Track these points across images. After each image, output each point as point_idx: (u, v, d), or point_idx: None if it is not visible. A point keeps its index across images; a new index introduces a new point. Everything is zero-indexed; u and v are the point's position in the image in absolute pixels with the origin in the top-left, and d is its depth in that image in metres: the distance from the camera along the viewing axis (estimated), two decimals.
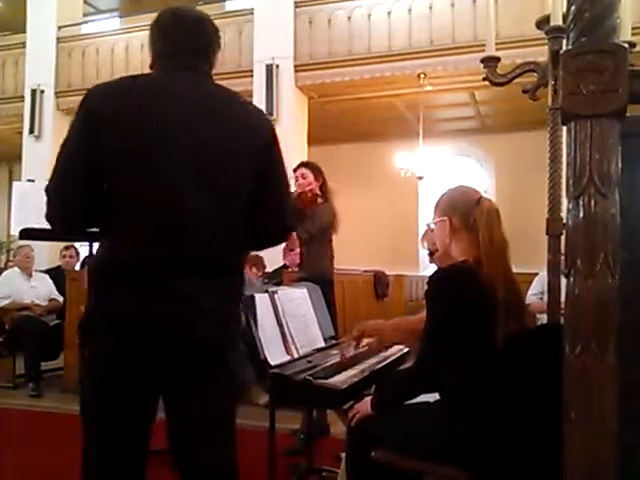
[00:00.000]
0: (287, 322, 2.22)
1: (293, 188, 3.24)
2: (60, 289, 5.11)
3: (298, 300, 2.42)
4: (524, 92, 2.24)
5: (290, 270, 4.65)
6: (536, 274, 4.06)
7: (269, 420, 2.08)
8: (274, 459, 2.08)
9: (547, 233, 2.14)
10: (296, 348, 2.21)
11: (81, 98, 1.39)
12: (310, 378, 1.88)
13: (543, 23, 2.10)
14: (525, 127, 8.62)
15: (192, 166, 1.35)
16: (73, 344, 4.18)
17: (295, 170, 3.39)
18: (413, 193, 10.12)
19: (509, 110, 8.23)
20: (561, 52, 0.86)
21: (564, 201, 0.89)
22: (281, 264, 5.26)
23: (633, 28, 2.14)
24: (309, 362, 2.12)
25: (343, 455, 1.96)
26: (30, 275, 5.21)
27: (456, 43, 6.67)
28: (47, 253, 6.65)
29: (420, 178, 8.88)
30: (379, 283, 7.29)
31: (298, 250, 3.25)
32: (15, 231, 3.93)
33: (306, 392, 1.88)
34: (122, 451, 1.39)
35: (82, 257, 5.65)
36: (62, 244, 5.47)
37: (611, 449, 0.81)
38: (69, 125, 1.38)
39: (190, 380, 1.40)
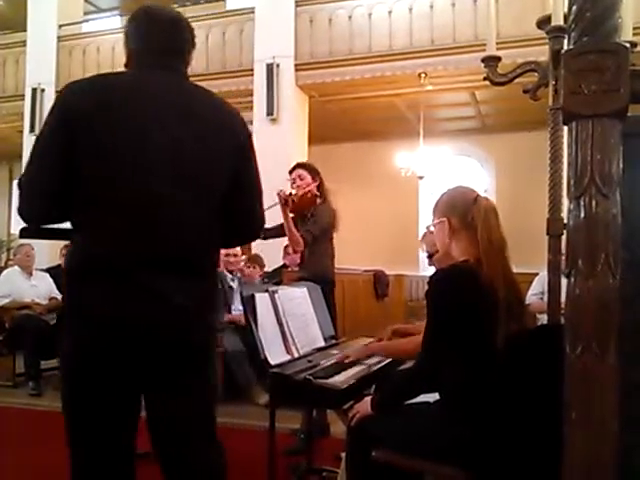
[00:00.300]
0: (287, 321, 2.22)
1: (290, 190, 3.23)
2: (60, 288, 5.10)
3: (298, 299, 2.42)
4: (525, 92, 2.23)
5: (290, 270, 4.66)
6: (536, 274, 4.06)
7: (269, 420, 2.07)
8: (274, 459, 2.08)
9: (547, 233, 2.14)
10: (296, 348, 2.21)
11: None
12: (310, 378, 1.88)
13: (544, 23, 2.10)
14: (526, 127, 8.61)
15: (167, 164, 1.35)
16: None
17: (291, 172, 3.38)
18: (413, 193, 10.11)
19: (510, 110, 8.22)
20: (562, 52, 0.85)
21: (565, 201, 0.89)
22: (281, 264, 5.27)
23: (634, 28, 2.14)
24: (309, 362, 2.11)
25: (343, 455, 1.96)
26: (30, 274, 5.21)
27: (457, 42, 6.67)
28: (47, 252, 6.64)
29: (420, 178, 8.87)
30: (379, 283, 7.29)
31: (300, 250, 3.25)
32: (15, 230, 3.94)
33: (306, 392, 1.88)
34: (102, 450, 1.39)
35: None
36: (62, 243, 5.45)
37: (611, 449, 0.81)
38: (44, 121, 1.38)
39: (167, 378, 1.40)
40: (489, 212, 1.76)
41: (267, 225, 3.62)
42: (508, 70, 2.21)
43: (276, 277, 4.91)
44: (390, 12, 7.03)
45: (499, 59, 2.21)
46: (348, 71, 7.15)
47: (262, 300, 2.17)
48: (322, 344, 2.41)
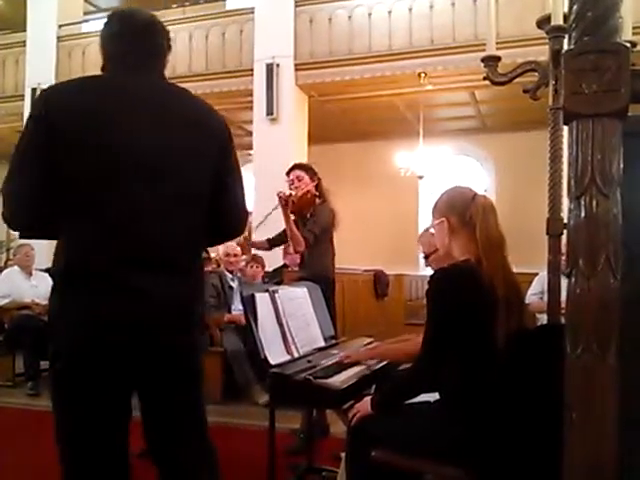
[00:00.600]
0: (287, 321, 2.22)
1: (288, 191, 3.24)
2: None
3: (298, 299, 2.42)
4: (525, 92, 2.23)
5: (290, 269, 4.65)
6: (536, 274, 4.06)
7: (269, 420, 2.07)
8: (274, 459, 2.08)
9: (547, 233, 2.14)
10: (296, 347, 2.20)
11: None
12: (310, 378, 1.88)
13: (544, 23, 2.10)
14: (525, 127, 8.61)
15: (149, 165, 1.36)
16: None
17: (288, 173, 3.38)
18: (413, 192, 10.11)
19: (509, 109, 8.23)
20: (563, 51, 0.85)
21: (565, 201, 0.89)
22: (281, 264, 5.27)
23: (634, 27, 2.14)
24: (309, 362, 2.11)
25: (343, 455, 1.95)
26: (30, 274, 5.21)
27: (457, 42, 6.66)
28: (47, 252, 6.59)
29: (420, 177, 8.87)
30: (379, 282, 7.30)
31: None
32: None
33: (306, 392, 1.88)
34: (94, 451, 1.39)
35: None
36: None
37: (611, 450, 0.81)
38: (24, 125, 1.37)
39: (153, 376, 1.40)
40: (487, 210, 1.77)
41: (269, 235, 3.63)
42: (508, 70, 2.21)
43: (276, 277, 4.91)
44: (390, 12, 7.03)
45: (499, 59, 2.21)
46: (348, 71, 7.15)
47: (262, 300, 2.17)
48: (322, 344, 2.41)
